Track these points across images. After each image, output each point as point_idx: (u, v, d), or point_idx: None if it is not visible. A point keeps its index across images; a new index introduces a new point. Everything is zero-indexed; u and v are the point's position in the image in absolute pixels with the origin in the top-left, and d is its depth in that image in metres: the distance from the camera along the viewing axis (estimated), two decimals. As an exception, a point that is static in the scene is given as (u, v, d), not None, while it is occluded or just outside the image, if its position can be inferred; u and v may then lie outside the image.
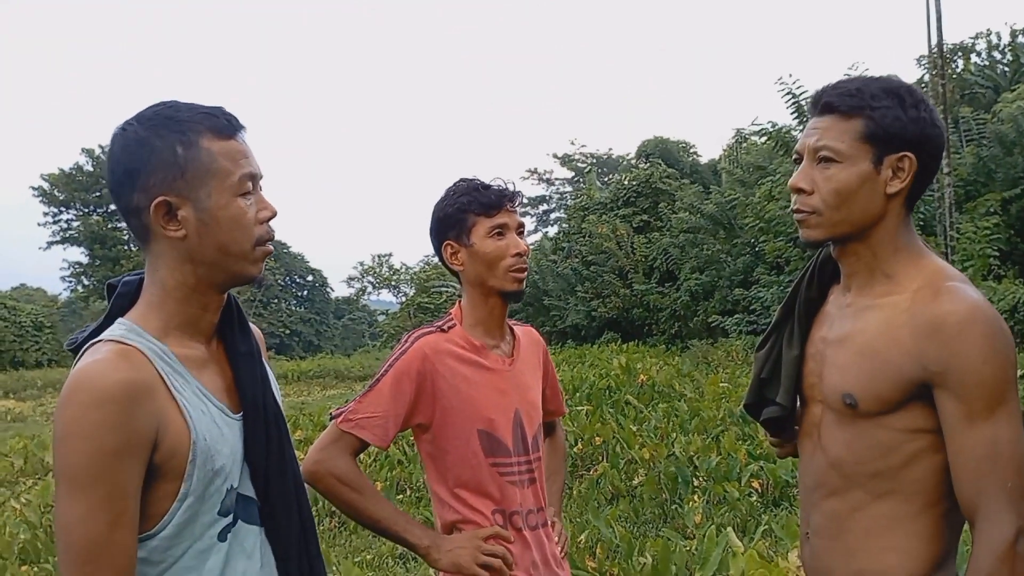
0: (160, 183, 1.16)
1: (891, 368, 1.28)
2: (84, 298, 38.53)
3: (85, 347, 1.17)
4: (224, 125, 1.20)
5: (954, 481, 1.25)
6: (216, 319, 1.27)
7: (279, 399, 1.36)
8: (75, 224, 37.90)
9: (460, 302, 1.91)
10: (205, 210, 1.18)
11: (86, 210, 38.04)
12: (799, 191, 1.35)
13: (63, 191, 37.50)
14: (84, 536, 1.06)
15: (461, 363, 1.78)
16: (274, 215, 1.24)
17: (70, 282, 38.75)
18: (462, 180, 1.86)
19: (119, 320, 1.19)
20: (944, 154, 1.36)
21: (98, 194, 37.60)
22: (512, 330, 1.92)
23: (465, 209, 1.80)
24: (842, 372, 1.35)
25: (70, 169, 37.64)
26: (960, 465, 1.23)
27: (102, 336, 1.16)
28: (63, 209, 37.94)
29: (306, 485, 1.48)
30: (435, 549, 1.69)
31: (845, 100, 1.32)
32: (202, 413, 1.17)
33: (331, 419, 1.77)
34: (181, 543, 1.15)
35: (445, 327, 1.83)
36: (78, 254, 38.41)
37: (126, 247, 37.57)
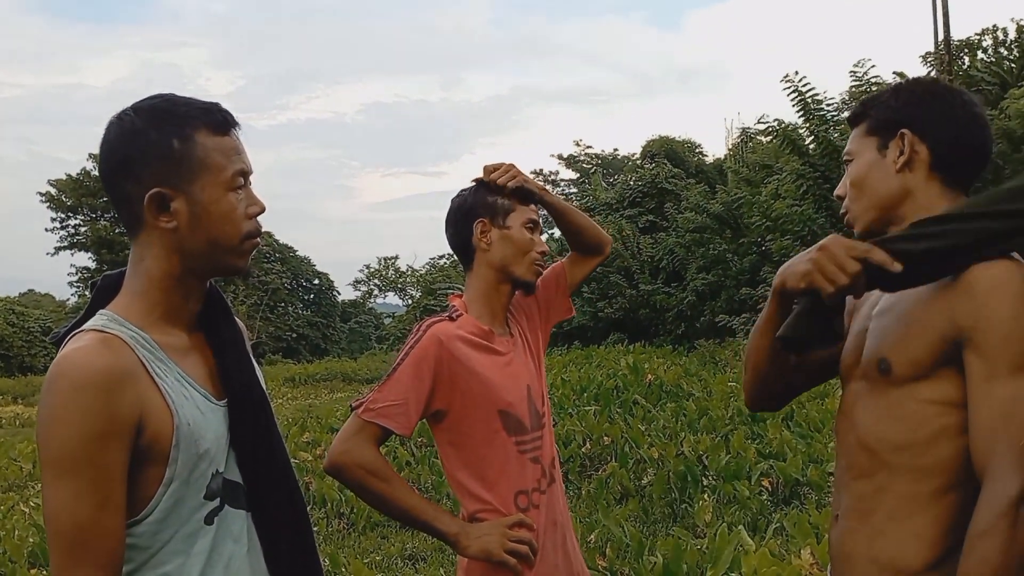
0: (155, 175, 1.18)
1: (925, 327, 1.30)
2: (91, 303, 38.53)
3: (67, 338, 1.18)
4: (220, 121, 1.23)
5: (970, 441, 1.25)
6: (198, 308, 1.28)
7: (264, 386, 1.36)
8: (83, 229, 37.98)
9: (460, 295, 1.94)
10: (198, 203, 1.20)
11: (94, 215, 38.13)
12: (839, 198, 1.51)
13: (70, 197, 37.61)
14: (71, 521, 1.07)
15: (473, 349, 1.81)
16: (262, 211, 1.27)
17: (78, 287, 38.85)
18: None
19: (100, 311, 1.21)
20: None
21: (105, 199, 37.74)
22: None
23: (508, 196, 1.89)
24: (879, 338, 1.39)
25: (78, 175, 37.75)
26: (976, 424, 1.24)
27: (83, 327, 1.17)
28: (71, 214, 38.06)
29: (328, 477, 1.47)
30: (464, 536, 1.73)
31: (855, 111, 1.51)
32: (185, 399, 1.19)
33: (351, 410, 1.78)
34: (168, 527, 1.17)
35: (453, 316, 1.86)
36: (86, 259, 38.51)
37: (133, 252, 37.63)
